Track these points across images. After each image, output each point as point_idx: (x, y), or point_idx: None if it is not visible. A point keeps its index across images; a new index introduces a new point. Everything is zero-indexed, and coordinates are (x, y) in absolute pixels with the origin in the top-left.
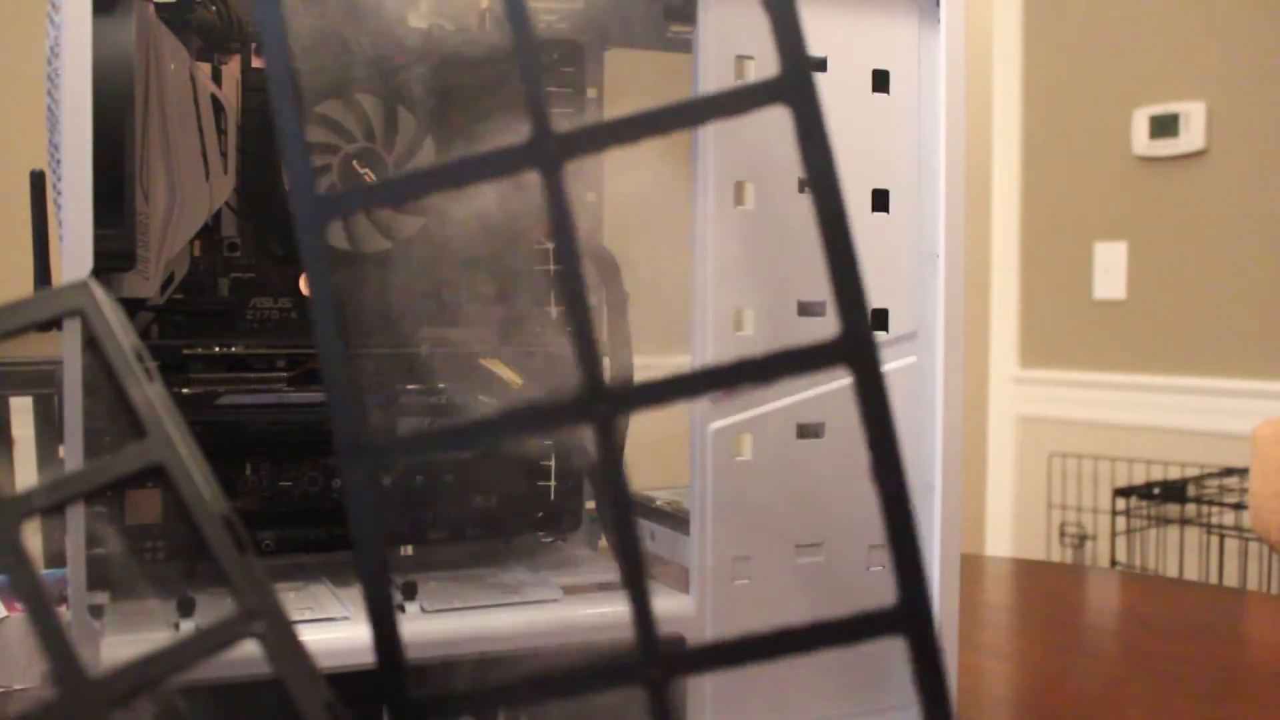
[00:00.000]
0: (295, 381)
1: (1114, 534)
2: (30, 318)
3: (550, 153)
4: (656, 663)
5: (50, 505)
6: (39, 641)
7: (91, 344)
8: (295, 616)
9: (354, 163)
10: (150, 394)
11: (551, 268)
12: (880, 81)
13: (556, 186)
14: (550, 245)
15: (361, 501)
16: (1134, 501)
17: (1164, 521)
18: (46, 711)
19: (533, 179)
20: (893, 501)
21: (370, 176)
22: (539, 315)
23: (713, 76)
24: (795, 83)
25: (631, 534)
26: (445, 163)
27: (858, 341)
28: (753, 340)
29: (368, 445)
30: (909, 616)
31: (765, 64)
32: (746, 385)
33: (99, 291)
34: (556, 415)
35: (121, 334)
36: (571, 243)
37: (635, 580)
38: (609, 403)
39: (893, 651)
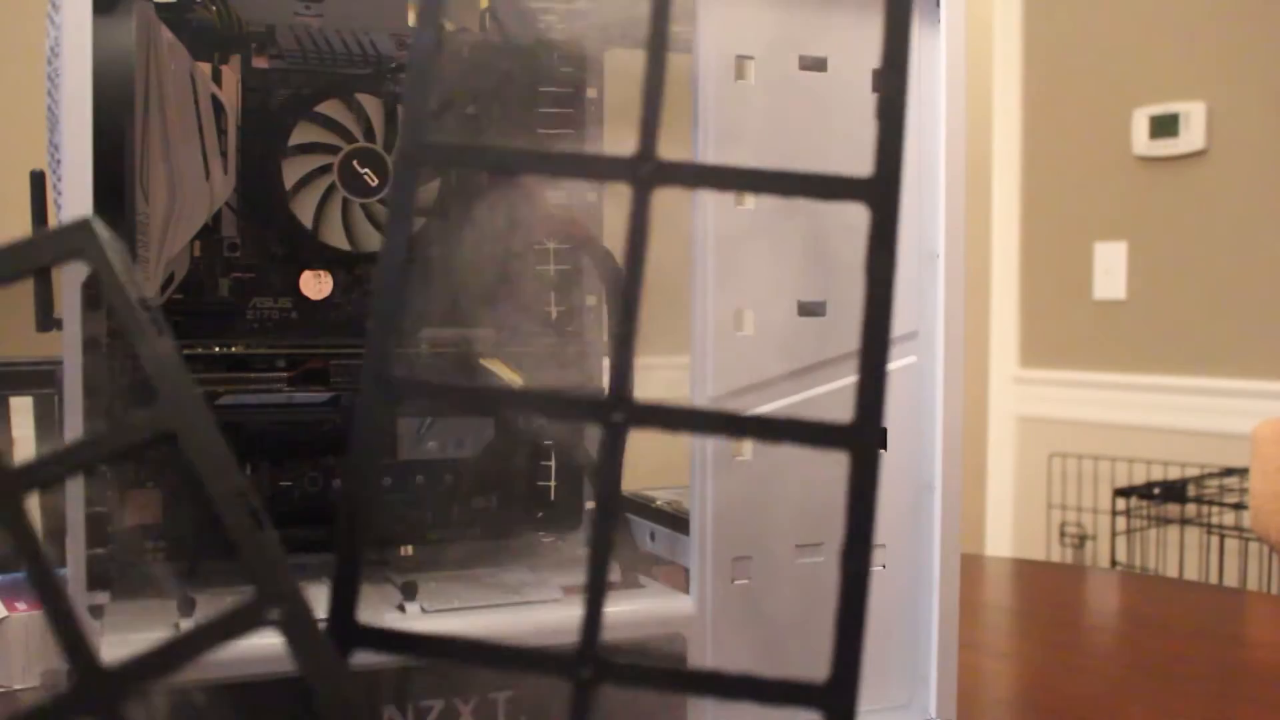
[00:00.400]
0: (295, 381)
1: (1114, 534)
2: (26, 261)
3: (647, 174)
4: (590, 663)
5: (56, 477)
6: (49, 627)
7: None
8: None
9: (354, 162)
10: (161, 350)
11: (553, 268)
12: (880, 82)
13: (643, 206)
14: (552, 246)
15: (368, 430)
16: (1134, 501)
17: (1164, 521)
18: (59, 702)
19: (541, 183)
20: (853, 583)
21: (370, 177)
22: (540, 316)
23: (713, 76)
24: (884, 189)
25: (607, 539)
26: (545, 150)
27: (866, 433)
28: (753, 340)
29: (393, 379)
30: (835, 697)
31: (765, 64)
32: (753, 439)
33: (104, 232)
34: (575, 408)
35: (128, 281)
36: (640, 260)
37: (596, 584)
38: (628, 414)
39: (893, 651)
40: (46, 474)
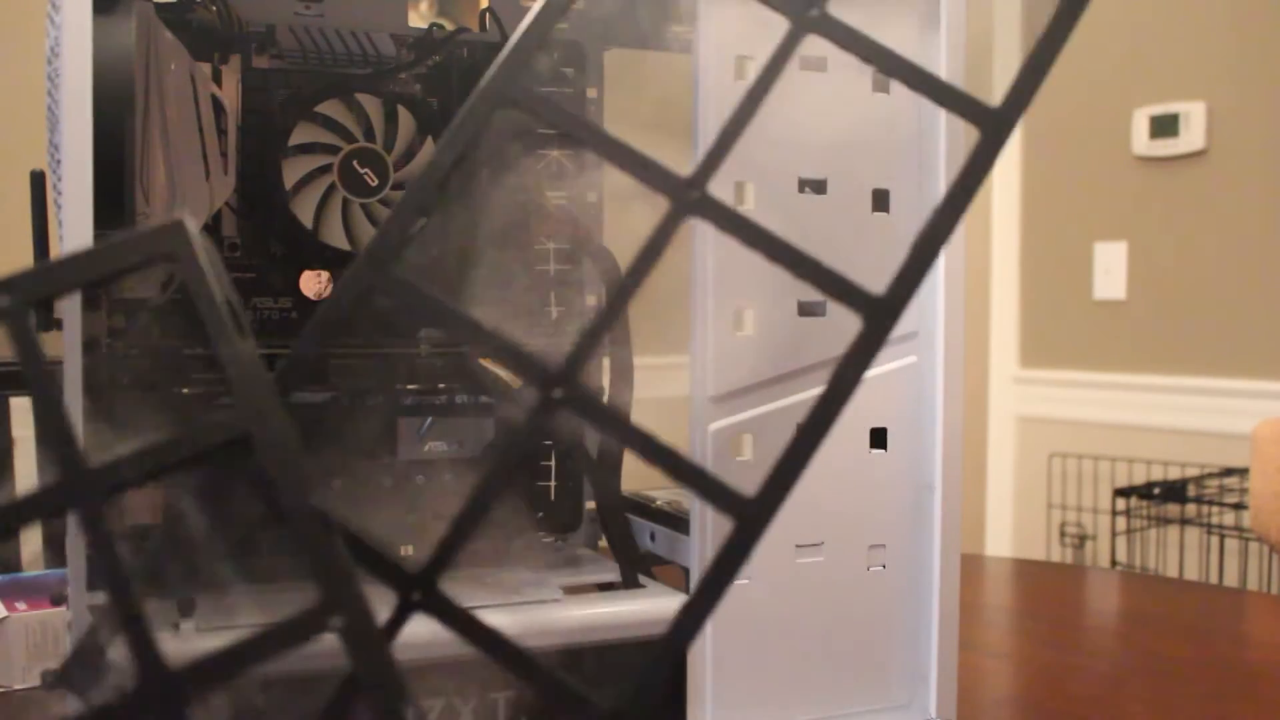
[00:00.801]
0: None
1: (1114, 534)
2: (117, 263)
3: (691, 200)
4: (424, 588)
5: (137, 477)
6: (119, 629)
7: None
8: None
9: (354, 162)
10: (242, 353)
11: (553, 268)
12: (880, 82)
13: (670, 225)
14: (552, 245)
15: (343, 296)
16: (1134, 501)
17: (1164, 521)
18: (125, 702)
19: (540, 172)
20: (681, 634)
21: (370, 177)
22: (539, 315)
23: (713, 76)
24: (885, 314)
25: (498, 482)
26: (609, 133)
27: (761, 512)
28: (753, 340)
29: (388, 264)
30: None
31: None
32: (660, 469)
33: (195, 232)
34: (525, 365)
35: (216, 283)
36: (643, 270)
37: (472, 510)
38: (568, 394)
39: (893, 651)
40: (126, 475)
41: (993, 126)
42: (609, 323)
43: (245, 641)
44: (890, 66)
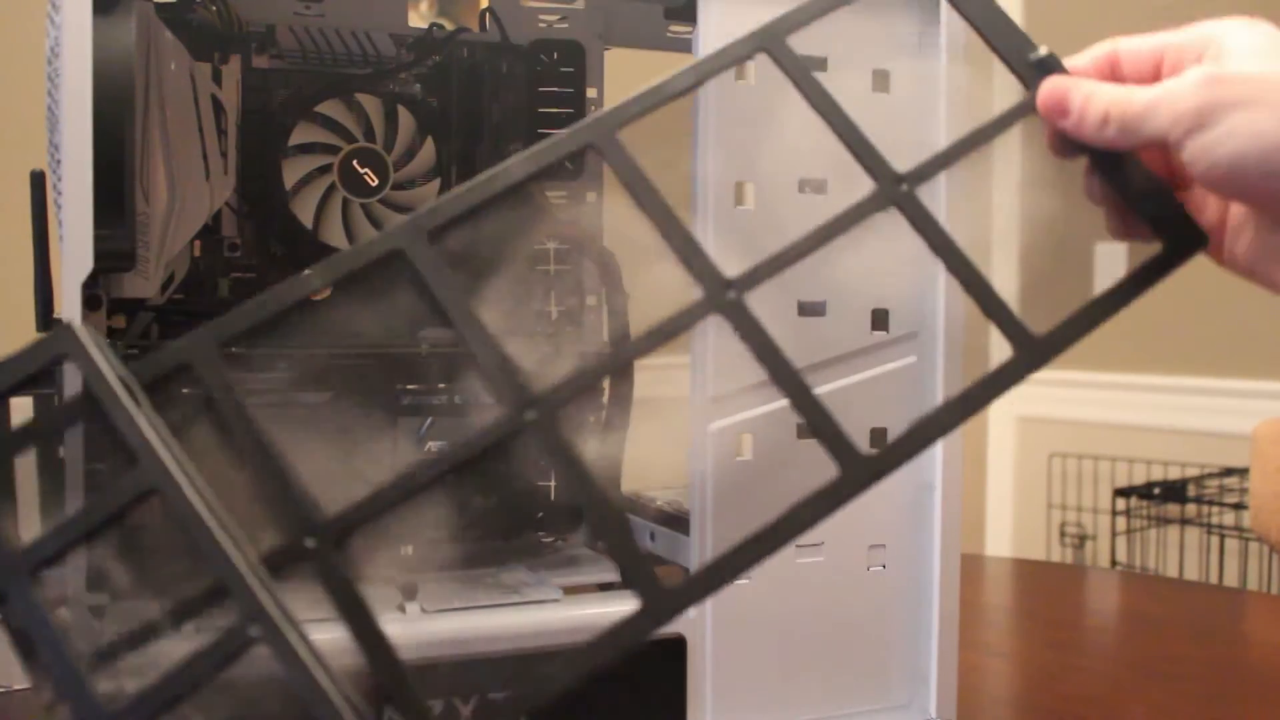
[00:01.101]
0: (295, 382)
1: (1114, 534)
2: (15, 376)
3: (725, 301)
4: (325, 535)
5: (56, 553)
6: (57, 690)
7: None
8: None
9: (354, 162)
10: (139, 421)
11: (553, 268)
12: (880, 82)
13: (695, 316)
14: (553, 246)
15: (384, 242)
16: (1134, 501)
17: (1164, 521)
18: None
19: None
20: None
21: (370, 177)
22: (539, 315)
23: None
24: (866, 475)
25: (424, 479)
26: (671, 212)
27: (667, 607)
28: None
29: (434, 233)
30: None
31: (765, 64)
32: (602, 536)
33: (82, 331)
34: (506, 380)
35: (108, 368)
36: (654, 343)
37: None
38: (540, 418)
39: (893, 651)
40: (50, 550)
41: (1030, 352)
42: (605, 373)
43: (175, 670)
44: (954, 264)
